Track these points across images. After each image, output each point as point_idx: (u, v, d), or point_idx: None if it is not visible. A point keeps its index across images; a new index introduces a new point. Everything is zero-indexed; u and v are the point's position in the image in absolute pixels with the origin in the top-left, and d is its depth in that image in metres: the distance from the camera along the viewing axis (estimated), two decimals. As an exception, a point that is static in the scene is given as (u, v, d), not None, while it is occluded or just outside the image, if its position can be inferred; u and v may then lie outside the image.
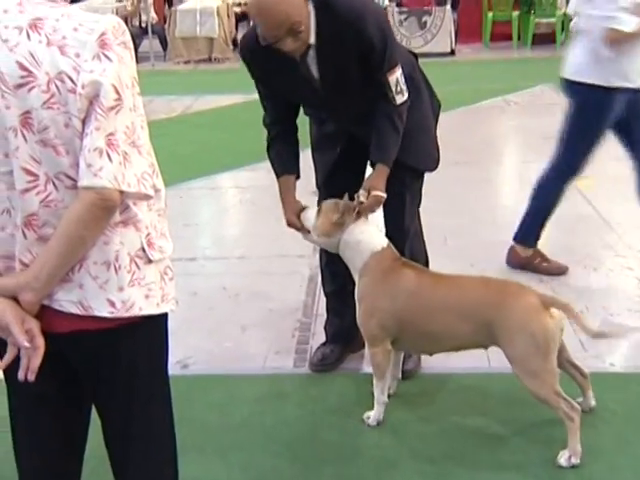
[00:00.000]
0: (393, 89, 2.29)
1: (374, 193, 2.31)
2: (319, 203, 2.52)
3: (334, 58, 2.25)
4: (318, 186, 2.68)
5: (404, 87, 2.32)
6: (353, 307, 2.42)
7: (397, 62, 2.30)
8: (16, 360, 1.32)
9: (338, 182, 2.54)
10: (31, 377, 1.31)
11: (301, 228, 2.42)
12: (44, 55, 1.23)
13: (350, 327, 2.59)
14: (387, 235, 2.50)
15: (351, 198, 2.36)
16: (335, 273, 2.69)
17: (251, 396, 2.59)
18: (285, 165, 2.45)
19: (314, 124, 2.64)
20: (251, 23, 2.39)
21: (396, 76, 2.29)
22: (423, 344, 2.39)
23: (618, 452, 2.23)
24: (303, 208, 2.44)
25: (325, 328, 2.83)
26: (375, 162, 2.38)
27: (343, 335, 2.74)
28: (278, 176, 2.46)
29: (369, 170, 2.49)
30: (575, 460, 2.14)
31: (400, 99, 2.32)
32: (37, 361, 1.30)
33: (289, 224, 2.45)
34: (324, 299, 3.14)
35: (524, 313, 2.16)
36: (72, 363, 1.43)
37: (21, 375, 1.31)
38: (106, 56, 1.25)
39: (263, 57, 2.25)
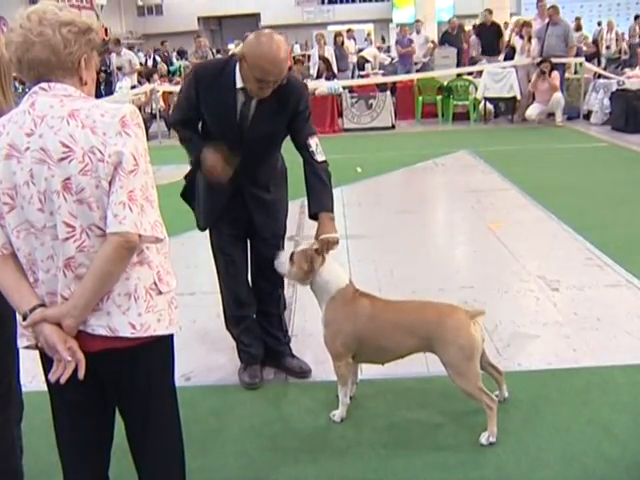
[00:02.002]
0: (315, 149, 2.37)
1: (323, 237, 2.29)
2: (216, 239, 2.58)
3: (271, 110, 2.31)
4: (204, 225, 2.61)
5: (322, 151, 2.40)
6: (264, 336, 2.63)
7: (315, 132, 2.42)
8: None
9: (226, 225, 2.52)
10: (80, 376, 1.34)
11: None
12: (80, 135, 1.29)
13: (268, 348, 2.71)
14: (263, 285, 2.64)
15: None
16: (242, 317, 2.68)
17: (241, 401, 2.59)
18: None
19: None
20: (215, 56, 2.44)
21: (316, 141, 2.39)
22: (377, 356, 2.39)
23: (524, 431, 2.28)
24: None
25: (249, 353, 2.71)
26: (316, 212, 2.35)
27: (261, 356, 2.74)
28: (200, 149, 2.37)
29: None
30: (492, 439, 2.20)
31: (321, 158, 2.39)
32: (82, 370, 1.33)
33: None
34: (297, 324, 3.14)
35: (455, 329, 2.19)
36: (100, 375, 1.44)
37: (62, 379, 1.33)
38: (126, 133, 1.31)
39: (213, 83, 2.29)
